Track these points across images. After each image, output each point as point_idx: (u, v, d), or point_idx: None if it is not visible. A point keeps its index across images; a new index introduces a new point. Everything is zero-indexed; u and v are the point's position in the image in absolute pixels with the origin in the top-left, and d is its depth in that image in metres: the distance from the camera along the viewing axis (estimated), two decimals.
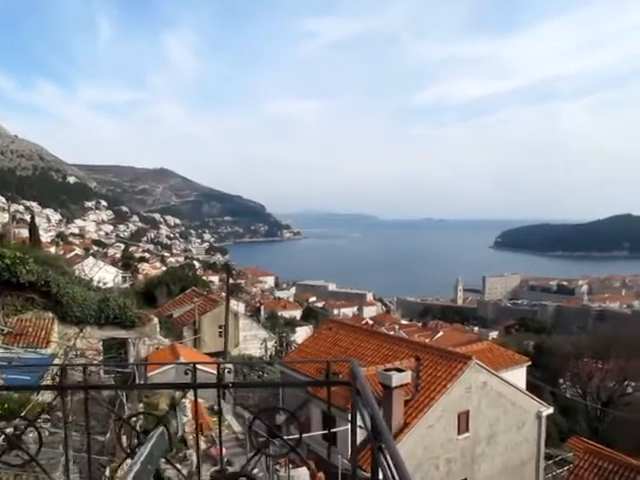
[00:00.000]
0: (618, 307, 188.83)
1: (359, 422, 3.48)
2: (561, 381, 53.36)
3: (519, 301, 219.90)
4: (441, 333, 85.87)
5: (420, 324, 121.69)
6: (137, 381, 21.23)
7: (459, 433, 20.36)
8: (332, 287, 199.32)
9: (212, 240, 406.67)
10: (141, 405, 19.90)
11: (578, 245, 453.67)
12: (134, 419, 7.25)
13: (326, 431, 18.71)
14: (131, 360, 24.63)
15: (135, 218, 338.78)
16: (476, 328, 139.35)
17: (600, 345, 53.76)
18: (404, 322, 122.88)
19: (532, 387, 30.61)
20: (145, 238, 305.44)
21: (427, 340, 67.96)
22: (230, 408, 25.93)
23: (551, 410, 23.94)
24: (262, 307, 74.12)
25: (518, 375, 24.98)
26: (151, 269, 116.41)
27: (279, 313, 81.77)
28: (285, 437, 3.86)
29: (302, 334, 58.81)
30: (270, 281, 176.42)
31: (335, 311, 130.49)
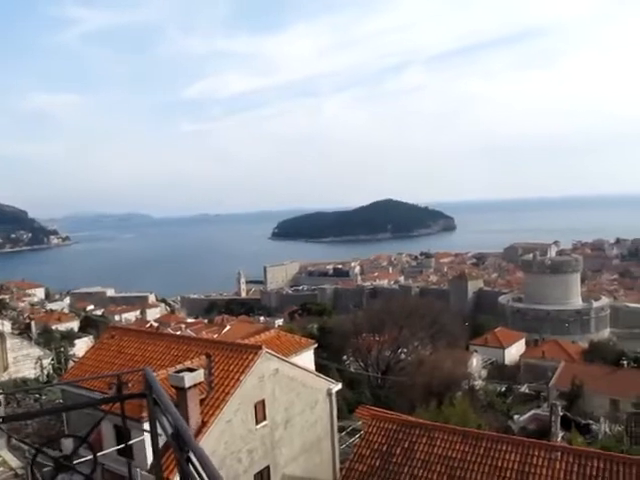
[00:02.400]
0: (387, 284, 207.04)
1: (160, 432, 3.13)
2: (345, 357, 57.00)
3: (300, 287, 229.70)
4: (228, 327, 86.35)
5: (207, 320, 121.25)
6: None
7: (257, 423, 20.48)
8: (111, 292, 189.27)
9: None
10: None
11: (348, 230, 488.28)
12: None
13: (122, 445, 17.50)
14: None
15: None
16: (262, 318, 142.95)
17: (375, 320, 58.57)
18: (190, 320, 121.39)
19: (320, 367, 32.14)
20: None
21: (215, 335, 67.92)
22: (4, 442, 23.02)
23: (339, 386, 25.27)
24: (33, 322, 67.44)
25: (307, 358, 25.93)
26: None
27: (54, 327, 75.18)
28: (76, 461, 3.36)
29: (82, 346, 54.91)
30: (40, 293, 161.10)
31: (117, 317, 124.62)
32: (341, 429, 32.40)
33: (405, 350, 55.33)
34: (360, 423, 27.74)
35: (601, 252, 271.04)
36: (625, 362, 59.77)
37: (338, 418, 27.25)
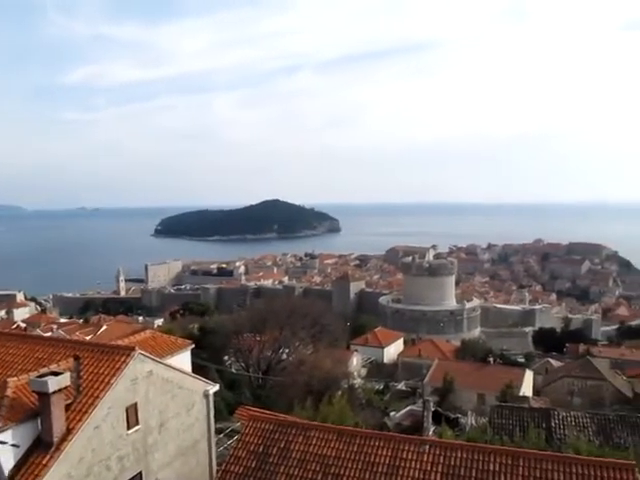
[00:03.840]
0: (271, 284, 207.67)
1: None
2: (226, 358, 56.32)
3: (182, 286, 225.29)
4: (105, 327, 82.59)
5: (81, 320, 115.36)
6: None
7: (129, 427, 19.63)
8: None
9: None
10: None
11: (234, 229, 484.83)
12: None
13: None
14: None
15: None
16: (141, 318, 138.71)
17: (257, 320, 58.38)
18: (63, 320, 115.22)
19: (199, 368, 31.52)
20: None
21: (90, 336, 64.85)
22: None
23: (217, 387, 24.86)
24: None
25: (183, 359, 25.30)
26: None
27: None
28: None
29: None
30: None
31: None
32: (220, 431, 31.97)
33: (287, 350, 55.54)
34: (239, 424, 27.50)
35: (474, 256, 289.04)
36: (491, 359, 63.91)
37: (217, 420, 26.81)
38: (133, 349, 19.83)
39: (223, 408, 37.25)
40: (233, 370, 53.99)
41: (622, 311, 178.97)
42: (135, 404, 19.84)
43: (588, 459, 17.99)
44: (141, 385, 20.06)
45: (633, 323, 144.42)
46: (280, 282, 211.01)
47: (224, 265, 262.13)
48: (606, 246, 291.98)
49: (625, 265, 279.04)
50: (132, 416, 19.78)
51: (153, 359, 20.93)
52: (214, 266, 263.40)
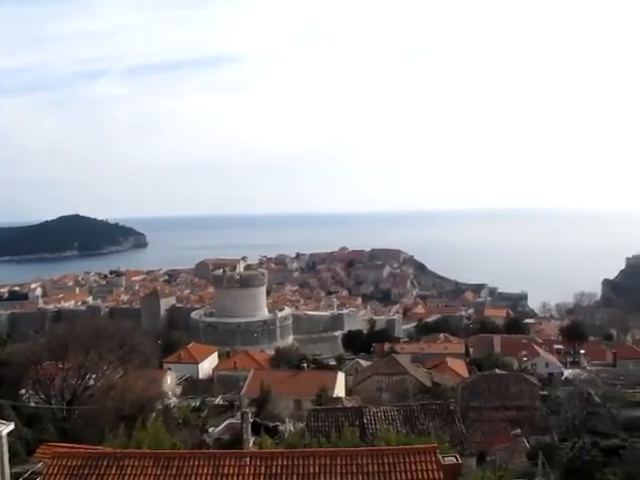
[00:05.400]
0: (73, 305, 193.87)
1: None
2: (23, 391, 51.15)
3: None
4: None
5: None
6: None
7: None
8: None
9: None
10: None
11: (28, 248, 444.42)
12: None
13: None
14: None
15: None
16: None
17: (57, 346, 53.83)
18: None
19: None
20: None
21: None
22: None
23: (12, 426, 22.31)
24: None
25: None
26: None
27: None
28: None
29: None
30: None
31: None
32: (17, 476, 28.64)
33: (94, 375, 51.89)
34: (41, 464, 24.96)
35: (283, 266, 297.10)
36: (305, 364, 65.95)
37: (14, 463, 24.04)
38: None
39: (21, 449, 33.50)
40: (32, 404, 49.11)
41: (419, 309, 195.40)
42: None
43: (397, 448, 19.10)
44: None
45: (429, 320, 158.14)
46: (83, 303, 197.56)
47: (17, 288, 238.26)
48: (403, 251, 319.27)
49: (420, 268, 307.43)
50: None
51: None
52: (5, 290, 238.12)
